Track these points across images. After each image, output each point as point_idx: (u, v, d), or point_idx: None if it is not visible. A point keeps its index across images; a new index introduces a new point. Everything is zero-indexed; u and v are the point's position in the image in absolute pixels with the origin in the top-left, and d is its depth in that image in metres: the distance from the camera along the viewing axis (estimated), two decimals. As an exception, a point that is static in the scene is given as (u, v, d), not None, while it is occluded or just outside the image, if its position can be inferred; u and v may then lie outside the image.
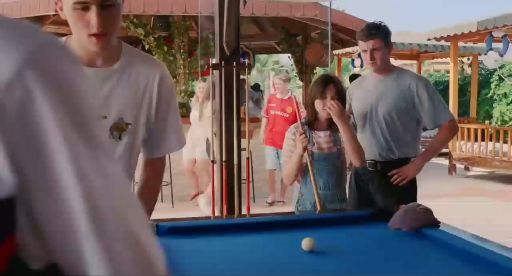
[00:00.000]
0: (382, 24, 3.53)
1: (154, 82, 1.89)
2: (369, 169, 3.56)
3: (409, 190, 3.51)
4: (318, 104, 3.19)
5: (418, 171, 3.55)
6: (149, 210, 2.12)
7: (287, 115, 7.30)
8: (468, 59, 13.01)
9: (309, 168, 3.10)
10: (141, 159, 2.12)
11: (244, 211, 4.35)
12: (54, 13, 7.81)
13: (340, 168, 3.24)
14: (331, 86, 3.17)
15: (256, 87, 14.59)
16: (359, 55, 13.43)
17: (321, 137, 3.22)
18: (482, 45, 10.31)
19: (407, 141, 3.54)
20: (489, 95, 12.02)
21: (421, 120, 3.57)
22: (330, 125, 3.22)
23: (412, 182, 3.55)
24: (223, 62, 4.06)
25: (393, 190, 3.46)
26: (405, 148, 3.53)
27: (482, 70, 12.93)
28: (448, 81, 11.97)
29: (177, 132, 2.04)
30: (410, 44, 12.55)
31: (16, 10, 8.38)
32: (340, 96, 3.20)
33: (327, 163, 3.18)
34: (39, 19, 9.72)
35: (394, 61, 15.64)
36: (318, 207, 3.08)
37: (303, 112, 4.76)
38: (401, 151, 3.52)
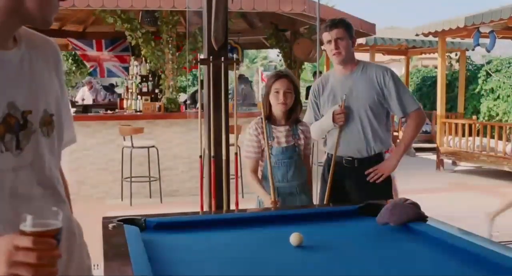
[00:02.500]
0: (345, 19, 3.60)
1: (58, 63, 1.55)
2: (346, 165, 3.57)
3: (386, 188, 3.54)
4: (272, 98, 3.34)
5: (394, 168, 3.57)
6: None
7: None
8: (456, 54, 13.06)
9: (268, 162, 3.26)
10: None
11: (232, 206, 4.35)
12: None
13: (298, 161, 3.37)
14: (283, 80, 3.32)
15: (245, 80, 14.23)
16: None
17: (281, 131, 3.36)
18: (470, 40, 10.36)
19: (382, 134, 3.55)
20: (477, 90, 12.07)
21: (390, 111, 3.60)
22: (287, 119, 3.38)
23: (387, 179, 3.57)
24: (211, 57, 4.05)
25: (371, 188, 3.48)
26: (380, 141, 3.55)
27: (470, 66, 12.98)
28: (436, 77, 12.00)
29: (72, 123, 1.68)
30: (398, 39, 12.57)
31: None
32: (294, 90, 3.37)
33: (284, 157, 3.33)
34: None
35: (382, 57, 15.70)
36: (272, 199, 3.21)
37: None
38: (377, 145, 3.54)
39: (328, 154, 3.66)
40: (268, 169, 3.31)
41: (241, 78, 13.23)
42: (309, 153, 3.51)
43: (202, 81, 4.30)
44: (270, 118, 3.40)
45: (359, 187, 3.52)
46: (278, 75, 3.36)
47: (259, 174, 3.41)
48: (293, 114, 3.38)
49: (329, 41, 3.50)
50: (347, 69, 3.58)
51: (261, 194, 3.30)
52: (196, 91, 9.43)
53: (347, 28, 3.51)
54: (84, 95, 13.69)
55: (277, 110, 3.36)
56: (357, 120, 3.51)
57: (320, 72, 11.76)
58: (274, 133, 3.36)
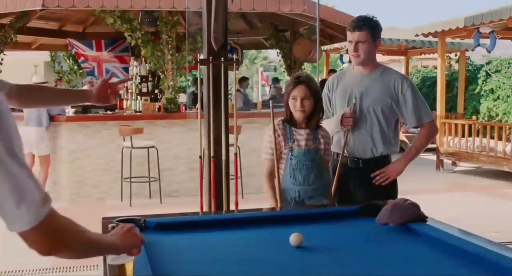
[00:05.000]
0: (374, 18, 3.49)
1: None
2: (350, 166, 3.53)
3: (391, 189, 3.50)
4: (290, 104, 3.28)
5: (401, 172, 3.52)
6: None
7: None
8: (456, 55, 13.04)
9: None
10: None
11: (232, 206, 4.35)
12: (40, 8, 7.75)
13: (320, 165, 3.29)
14: (301, 87, 3.24)
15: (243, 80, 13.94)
16: (347, 51, 13.40)
17: (302, 134, 3.30)
18: (470, 41, 10.36)
19: (389, 138, 3.51)
20: (476, 90, 12.06)
21: (398, 119, 3.57)
22: (308, 123, 3.30)
23: (393, 181, 3.53)
24: (211, 57, 4.05)
25: (375, 189, 3.44)
26: (387, 144, 3.50)
27: (470, 66, 12.97)
28: (435, 77, 12.00)
29: None
30: (398, 39, 12.57)
31: (3, 5, 8.30)
32: (314, 95, 3.27)
33: (306, 159, 3.25)
34: (26, 14, 9.65)
35: (382, 57, 15.69)
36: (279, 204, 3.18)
37: None
38: (385, 147, 3.50)
39: (334, 153, 3.60)
40: (287, 173, 3.28)
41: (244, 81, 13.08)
42: (329, 159, 3.43)
43: (201, 80, 4.28)
44: (291, 121, 3.33)
45: (363, 188, 3.49)
46: (296, 82, 3.27)
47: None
48: (313, 118, 3.31)
49: (350, 42, 3.45)
50: (366, 69, 3.53)
51: (270, 200, 3.24)
52: (193, 91, 9.41)
53: (371, 30, 3.41)
54: None
55: (296, 115, 3.29)
56: (367, 120, 3.47)
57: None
58: (294, 135, 3.29)
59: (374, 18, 3.49)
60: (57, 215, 1.49)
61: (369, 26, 3.42)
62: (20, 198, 1.38)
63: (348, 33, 3.46)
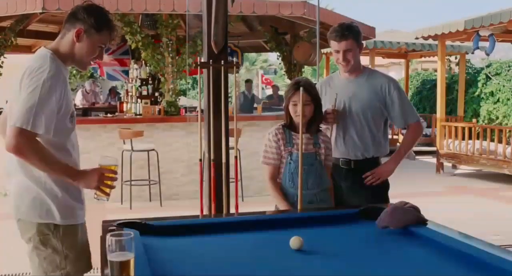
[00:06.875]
0: (354, 24, 3.54)
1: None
2: (342, 167, 3.58)
3: (382, 189, 3.58)
4: (291, 110, 3.26)
5: (392, 172, 3.61)
6: None
7: None
8: (456, 57, 13.06)
9: (299, 170, 3.13)
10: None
11: (232, 209, 4.35)
12: (41, 11, 7.75)
13: (319, 169, 3.26)
14: (301, 92, 3.17)
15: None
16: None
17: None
18: (470, 44, 10.36)
19: (379, 140, 3.59)
20: (476, 93, 12.06)
21: (388, 120, 3.64)
22: (308, 128, 3.28)
23: (385, 182, 3.60)
24: (211, 60, 4.05)
25: (366, 189, 3.51)
26: (378, 146, 3.58)
27: (469, 69, 12.98)
28: (435, 80, 12.00)
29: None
30: (398, 43, 12.58)
31: (3, 8, 8.31)
32: (314, 101, 3.24)
33: (304, 163, 3.18)
34: (26, 17, 9.66)
35: (382, 60, 15.71)
36: (299, 207, 3.12)
37: None
38: (376, 149, 3.58)
39: None
40: (288, 176, 3.23)
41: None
42: (330, 165, 3.39)
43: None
44: (291, 125, 3.30)
45: (355, 189, 3.56)
46: (295, 87, 3.22)
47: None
48: (313, 123, 3.29)
49: (337, 51, 3.48)
50: (352, 74, 3.60)
51: (281, 204, 3.19)
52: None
53: (356, 38, 3.46)
54: (82, 98, 13.63)
55: (297, 120, 3.24)
56: (356, 123, 3.53)
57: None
58: (294, 140, 3.25)
59: (354, 24, 3.56)
60: (38, 141, 2.27)
61: (353, 33, 3.47)
62: (31, 111, 2.21)
63: (334, 43, 3.48)
